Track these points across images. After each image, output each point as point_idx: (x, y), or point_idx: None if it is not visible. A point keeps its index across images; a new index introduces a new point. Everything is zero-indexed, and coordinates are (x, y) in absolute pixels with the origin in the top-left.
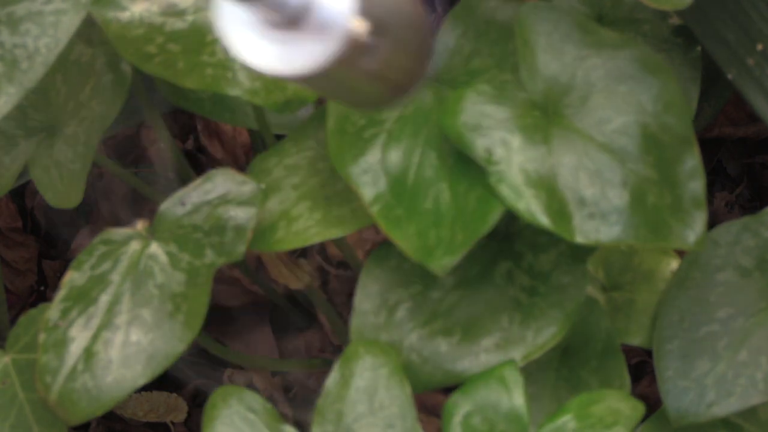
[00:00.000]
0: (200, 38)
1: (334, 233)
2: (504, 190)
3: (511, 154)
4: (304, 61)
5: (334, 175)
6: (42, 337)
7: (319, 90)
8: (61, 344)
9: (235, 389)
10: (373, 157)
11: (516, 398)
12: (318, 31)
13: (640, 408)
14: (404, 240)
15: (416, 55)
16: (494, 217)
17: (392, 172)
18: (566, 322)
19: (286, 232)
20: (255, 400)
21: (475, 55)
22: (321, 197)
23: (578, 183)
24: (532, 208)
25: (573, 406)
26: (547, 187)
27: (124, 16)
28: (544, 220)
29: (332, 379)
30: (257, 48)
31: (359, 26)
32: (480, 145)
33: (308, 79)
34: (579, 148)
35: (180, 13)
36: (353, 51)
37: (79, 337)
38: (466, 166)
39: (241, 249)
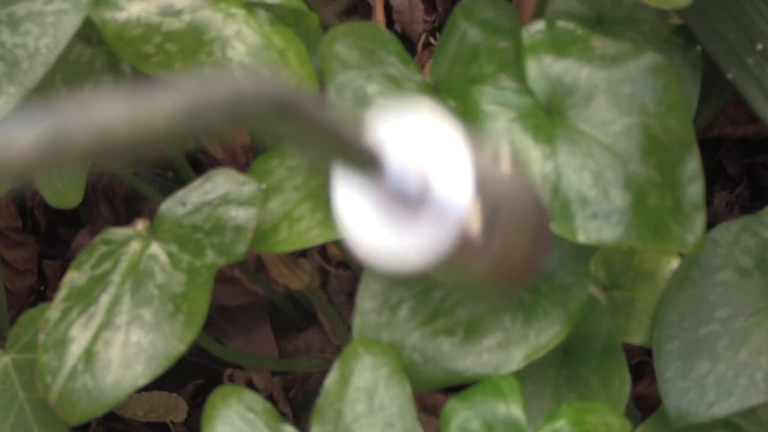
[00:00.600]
0: (197, 38)
1: (336, 234)
2: None
3: (516, 154)
4: (416, 256)
5: None
6: (42, 337)
7: (434, 274)
8: (61, 344)
9: (234, 389)
10: None
11: (513, 407)
12: (431, 224)
13: (627, 426)
14: None
15: (530, 251)
16: None
17: None
18: (569, 322)
19: (289, 233)
20: (255, 399)
21: (474, 61)
22: (323, 198)
23: (581, 183)
24: None
25: (569, 412)
26: (551, 187)
27: (122, 16)
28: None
29: (332, 379)
30: (372, 238)
31: (473, 222)
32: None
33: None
34: (582, 148)
35: (177, 13)
36: (466, 246)
37: (79, 338)
38: None
39: (241, 249)
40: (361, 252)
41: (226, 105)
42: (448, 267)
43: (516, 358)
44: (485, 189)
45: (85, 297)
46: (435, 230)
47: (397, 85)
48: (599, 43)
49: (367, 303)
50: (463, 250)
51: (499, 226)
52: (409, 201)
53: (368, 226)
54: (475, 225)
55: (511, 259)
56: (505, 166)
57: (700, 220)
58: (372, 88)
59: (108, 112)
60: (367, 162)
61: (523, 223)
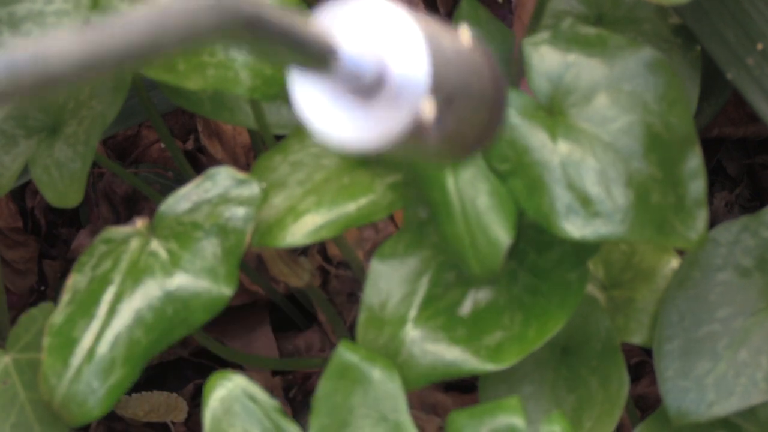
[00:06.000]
0: None
1: (340, 228)
2: (515, 189)
3: (519, 154)
4: (372, 137)
5: (339, 170)
6: (47, 340)
7: (389, 154)
8: (65, 347)
9: (233, 375)
10: None
11: (515, 418)
12: (389, 106)
13: None
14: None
15: (485, 126)
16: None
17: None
18: (564, 314)
19: (294, 226)
20: (256, 390)
21: None
22: (327, 193)
23: (584, 182)
24: (540, 207)
25: (561, 419)
26: (554, 186)
27: None
28: (551, 218)
29: (328, 373)
30: (329, 121)
31: (429, 105)
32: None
33: (376, 151)
34: (585, 147)
35: None
36: (421, 127)
37: (82, 339)
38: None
39: (240, 248)
40: (320, 137)
41: (184, 25)
42: (402, 148)
43: (513, 354)
44: (441, 68)
45: (87, 298)
46: (389, 114)
47: None
48: (599, 39)
49: (371, 299)
50: (416, 132)
51: (455, 105)
52: (364, 88)
53: (326, 114)
54: (429, 107)
55: (466, 135)
56: (462, 41)
57: (702, 216)
58: None
59: (59, 42)
60: (320, 55)
61: (481, 98)
